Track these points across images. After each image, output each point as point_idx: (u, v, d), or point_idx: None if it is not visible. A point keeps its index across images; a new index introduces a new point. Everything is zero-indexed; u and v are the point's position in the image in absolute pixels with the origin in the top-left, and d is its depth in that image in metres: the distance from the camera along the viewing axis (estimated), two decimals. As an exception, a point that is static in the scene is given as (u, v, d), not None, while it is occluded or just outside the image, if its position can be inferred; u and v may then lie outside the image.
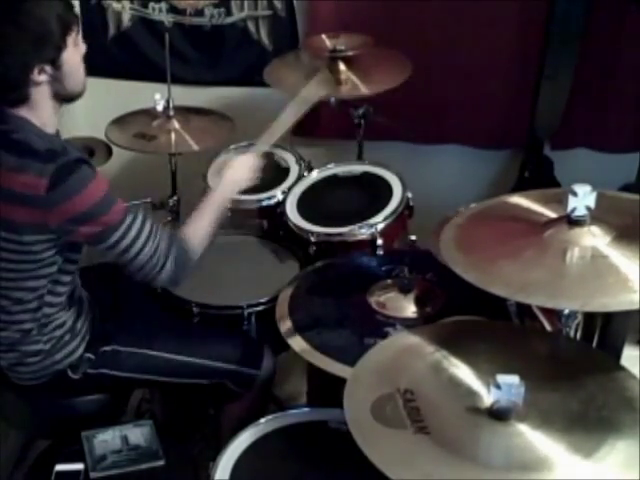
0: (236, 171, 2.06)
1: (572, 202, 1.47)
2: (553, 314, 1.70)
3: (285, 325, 1.90)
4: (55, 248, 1.73)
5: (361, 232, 2.21)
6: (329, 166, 2.54)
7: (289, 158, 2.59)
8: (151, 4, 3.07)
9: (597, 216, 1.49)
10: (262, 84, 2.66)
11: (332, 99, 2.57)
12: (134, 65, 3.17)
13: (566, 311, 1.56)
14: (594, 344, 1.72)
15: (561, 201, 1.51)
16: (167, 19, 3.08)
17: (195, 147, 2.55)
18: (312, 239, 2.24)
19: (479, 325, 1.74)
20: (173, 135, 2.59)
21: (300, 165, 2.55)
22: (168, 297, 2.13)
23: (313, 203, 2.40)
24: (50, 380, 1.88)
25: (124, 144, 2.59)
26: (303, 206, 2.38)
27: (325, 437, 1.69)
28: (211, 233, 1.90)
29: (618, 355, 1.74)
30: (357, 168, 2.52)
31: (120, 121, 2.69)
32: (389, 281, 2.01)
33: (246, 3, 3.02)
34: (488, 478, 1.23)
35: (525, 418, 1.31)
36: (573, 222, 1.49)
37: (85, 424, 1.84)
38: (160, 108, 2.61)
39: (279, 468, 1.63)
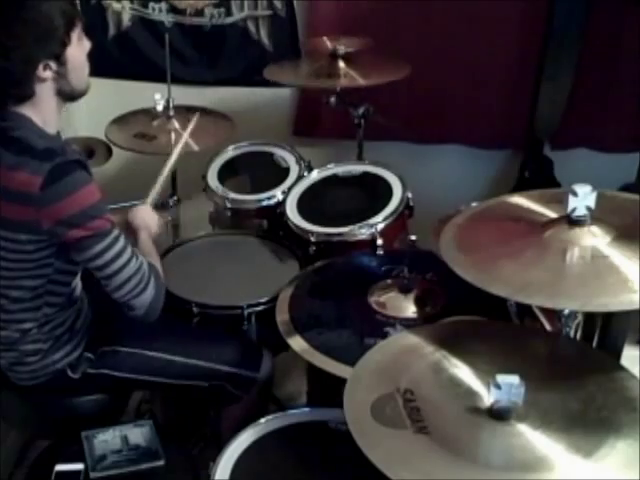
0: (145, 219, 2.02)
1: (572, 202, 1.48)
2: (553, 314, 1.70)
3: (285, 325, 1.90)
4: (49, 249, 1.72)
5: (361, 232, 2.21)
6: (329, 166, 2.54)
7: (289, 158, 2.59)
8: (151, 4, 3.07)
9: (597, 216, 1.49)
10: (262, 84, 2.66)
11: (332, 98, 2.57)
12: (134, 65, 3.17)
13: (566, 311, 1.56)
14: (594, 344, 1.72)
15: (561, 201, 1.51)
16: (167, 19, 3.08)
17: (195, 147, 2.55)
18: (312, 239, 2.24)
19: (479, 325, 1.74)
20: (173, 135, 2.59)
21: (300, 165, 2.55)
22: (168, 297, 2.13)
23: (313, 203, 2.40)
24: (50, 380, 1.87)
25: (124, 144, 2.60)
26: (303, 206, 2.38)
27: (325, 437, 1.68)
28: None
29: (618, 355, 1.74)
30: (357, 168, 2.51)
31: (120, 121, 2.70)
32: (389, 281, 2.01)
33: (246, 3, 3.02)
34: (488, 478, 1.23)
35: (525, 418, 1.30)
36: (573, 222, 1.49)
37: (85, 424, 1.84)
38: (160, 108, 2.62)
39: (279, 468, 1.63)
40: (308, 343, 1.81)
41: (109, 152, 2.71)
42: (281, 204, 2.40)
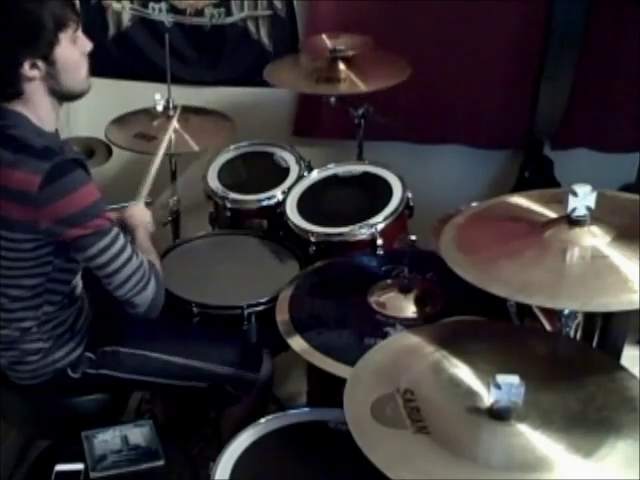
0: (140, 217, 2.02)
1: (572, 202, 1.48)
2: (553, 314, 1.70)
3: (285, 325, 1.90)
4: (47, 247, 1.72)
5: (361, 232, 2.21)
6: (329, 166, 2.54)
7: (289, 158, 2.59)
8: (151, 4, 3.07)
9: (597, 216, 1.49)
10: (262, 84, 2.66)
11: (332, 99, 2.57)
12: (134, 65, 3.17)
13: (566, 311, 1.56)
14: (594, 344, 1.72)
15: (561, 201, 1.51)
16: (167, 19, 3.08)
17: (195, 147, 2.55)
18: (312, 239, 2.24)
19: (479, 325, 1.74)
20: (173, 135, 2.59)
21: (300, 165, 2.55)
22: (168, 297, 2.13)
23: (313, 203, 2.40)
24: (50, 379, 1.88)
25: (124, 144, 2.59)
26: (303, 206, 2.38)
27: (325, 437, 1.68)
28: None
29: (618, 355, 1.74)
30: (357, 168, 2.51)
31: (120, 121, 2.69)
32: (389, 281, 2.01)
33: (246, 3, 3.02)
34: (488, 478, 1.23)
35: (525, 418, 1.31)
36: (573, 222, 1.49)
37: (85, 424, 1.84)
38: (160, 108, 2.62)
39: (279, 468, 1.63)
40: (308, 343, 1.81)
41: (109, 152, 2.71)
42: (281, 204, 2.40)
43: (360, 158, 2.68)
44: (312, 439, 1.69)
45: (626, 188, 2.47)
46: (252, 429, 1.70)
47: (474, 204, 1.82)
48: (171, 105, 2.61)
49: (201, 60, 3.14)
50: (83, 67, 1.76)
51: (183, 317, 2.11)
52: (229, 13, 3.04)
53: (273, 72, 2.66)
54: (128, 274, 1.75)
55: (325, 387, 1.88)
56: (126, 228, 1.96)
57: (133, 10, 3.10)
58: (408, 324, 1.85)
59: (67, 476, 1.71)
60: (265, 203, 2.44)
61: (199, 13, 3.06)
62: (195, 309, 2.10)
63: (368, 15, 2.86)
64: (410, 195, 2.34)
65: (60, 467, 1.72)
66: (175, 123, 2.47)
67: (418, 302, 1.93)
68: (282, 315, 1.94)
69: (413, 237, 1.97)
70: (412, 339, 1.57)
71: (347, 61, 2.57)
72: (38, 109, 1.73)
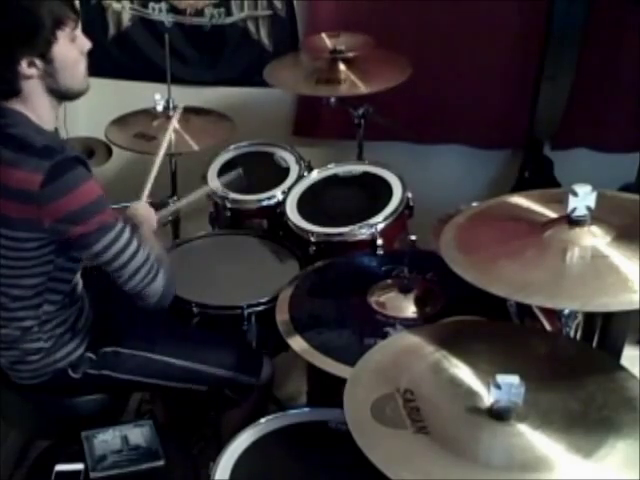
0: (144, 214, 2.01)
1: (572, 202, 1.48)
2: (553, 314, 1.70)
3: (285, 325, 1.90)
4: (50, 246, 1.72)
5: (361, 232, 2.21)
6: (329, 166, 2.54)
7: (289, 158, 2.59)
8: (151, 4, 3.07)
9: (597, 216, 1.49)
10: (262, 84, 2.66)
11: (332, 99, 2.57)
12: (134, 65, 3.17)
13: (566, 311, 1.56)
14: (594, 344, 1.72)
15: (561, 201, 1.51)
16: (167, 19, 3.08)
17: (195, 147, 2.55)
18: (312, 239, 2.24)
19: (479, 325, 1.74)
20: (173, 135, 2.59)
21: (300, 165, 2.55)
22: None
23: (313, 203, 2.40)
24: (50, 379, 1.87)
25: (124, 144, 2.60)
26: (303, 206, 2.38)
27: (325, 437, 1.68)
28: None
29: (618, 355, 1.74)
30: (357, 168, 2.52)
31: (120, 121, 2.70)
32: (389, 281, 2.01)
33: (246, 3, 3.02)
34: (488, 478, 1.23)
35: (525, 418, 1.31)
36: (573, 222, 1.49)
37: (85, 424, 1.84)
38: (160, 108, 2.62)
39: (279, 468, 1.63)
40: (308, 343, 1.81)
41: (109, 152, 2.71)
42: (281, 204, 2.40)
43: (360, 158, 2.68)
44: (312, 439, 1.69)
45: (626, 188, 2.47)
46: (252, 429, 1.70)
47: (474, 204, 1.82)
48: (171, 105, 2.61)
49: (201, 60, 3.14)
50: (81, 66, 1.75)
51: (183, 317, 2.11)
52: (229, 13, 3.05)
53: (273, 72, 2.66)
54: (136, 267, 1.75)
55: (325, 387, 1.88)
56: (132, 226, 1.96)
57: (133, 10, 3.10)
58: (408, 324, 1.85)
59: (67, 476, 1.71)
60: (265, 203, 2.44)
61: (199, 13, 3.06)
62: (195, 309, 2.10)
63: (368, 15, 2.86)
64: (410, 195, 2.35)
65: (60, 467, 1.72)
66: (175, 123, 2.48)
67: (418, 302, 1.93)
68: (282, 315, 1.94)
69: (413, 237, 1.98)
70: (412, 339, 1.57)
71: (347, 62, 2.57)
72: (37, 108, 1.72)
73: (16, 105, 1.71)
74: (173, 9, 3.07)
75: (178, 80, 2.73)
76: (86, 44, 1.75)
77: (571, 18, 2.79)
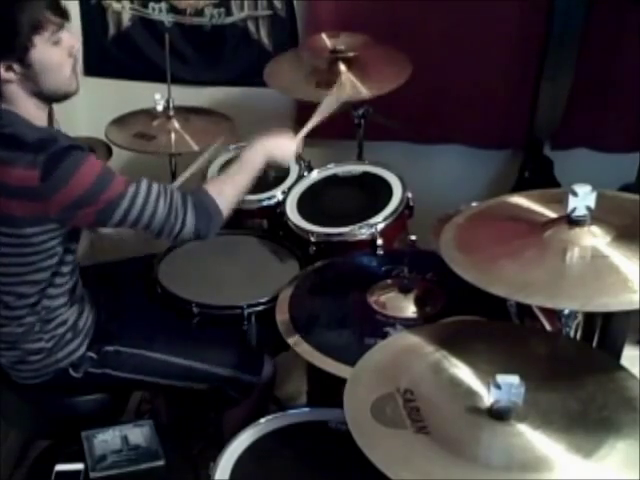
0: (276, 144, 2.03)
1: (572, 202, 1.48)
2: (553, 314, 1.70)
3: (285, 325, 1.90)
4: (57, 238, 1.73)
5: (361, 232, 2.21)
6: (329, 166, 2.53)
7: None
8: (151, 4, 3.07)
9: (597, 216, 1.49)
10: (262, 84, 2.66)
11: (332, 99, 2.56)
12: (134, 65, 3.17)
13: (566, 311, 1.56)
14: (594, 344, 1.72)
15: (561, 201, 1.51)
16: (167, 19, 3.08)
17: (195, 147, 2.55)
18: (312, 239, 2.23)
19: (479, 325, 1.74)
20: (173, 135, 2.59)
21: (300, 165, 2.55)
22: (168, 297, 2.14)
23: (313, 203, 2.40)
24: (52, 379, 1.88)
25: (124, 144, 2.60)
26: (303, 206, 2.38)
27: (325, 437, 1.68)
28: (238, 193, 1.90)
29: (618, 355, 1.74)
30: (357, 168, 2.51)
31: (120, 121, 2.69)
32: (389, 281, 2.01)
33: (246, 3, 3.02)
34: (488, 478, 1.23)
35: (525, 418, 1.31)
36: (573, 222, 1.49)
37: (85, 424, 1.84)
38: (160, 108, 2.62)
39: (279, 468, 1.63)
40: (308, 343, 1.81)
41: (109, 152, 2.71)
42: (281, 204, 2.40)
43: (360, 158, 2.68)
44: (312, 439, 1.69)
45: (626, 188, 2.47)
46: (252, 429, 1.70)
47: (474, 204, 1.82)
48: (171, 105, 2.61)
49: (201, 60, 3.14)
50: (66, 68, 1.73)
51: (183, 317, 2.11)
52: (229, 13, 3.05)
53: (273, 73, 2.65)
54: (161, 220, 1.75)
55: (325, 387, 1.88)
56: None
57: (133, 10, 3.10)
58: (408, 324, 1.85)
59: (67, 476, 1.71)
60: (265, 203, 2.44)
61: (199, 13, 3.06)
62: (195, 309, 2.09)
63: (368, 15, 2.86)
64: (410, 195, 2.34)
65: (60, 467, 1.72)
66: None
67: (418, 302, 1.93)
68: (282, 315, 1.94)
69: (413, 237, 1.97)
70: (412, 339, 1.57)
71: (347, 62, 2.56)
72: (23, 108, 1.72)
73: (4, 105, 1.71)
74: (173, 9, 3.07)
75: (178, 80, 2.73)
76: (74, 45, 1.73)
77: (571, 18, 2.79)
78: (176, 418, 2.26)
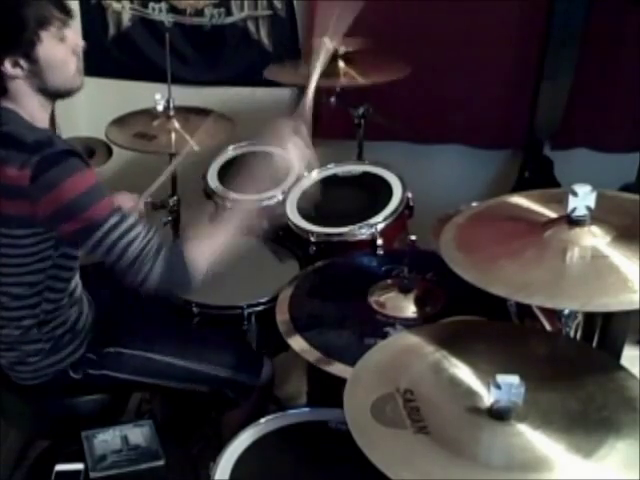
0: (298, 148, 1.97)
1: (572, 202, 1.47)
2: (553, 314, 1.70)
3: (285, 325, 1.90)
4: (49, 242, 1.72)
5: (361, 232, 2.21)
6: (329, 166, 2.54)
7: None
8: (151, 4, 3.07)
9: (597, 216, 1.49)
10: (262, 84, 2.66)
11: (332, 99, 2.57)
12: (134, 65, 3.17)
13: (566, 311, 1.56)
14: (594, 344, 1.72)
15: (561, 201, 1.51)
16: (167, 19, 3.08)
17: (195, 147, 2.55)
18: (312, 239, 2.24)
19: (479, 325, 1.74)
20: (173, 135, 2.59)
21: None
22: (168, 297, 2.13)
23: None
24: (51, 379, 1.87)
25: (124, 144, 2.59)
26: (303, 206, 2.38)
27: (325, 437, 1.68)
28: (218, 251, 1.79)
29: (618, 355, 1.74)
30: (357, 168, 2.52)
31: (120, 121, 2.69)
32: (389, 281, 2.01)
33: (246, 3, 3.02)
34: (488, 478, 1.23)
35: (525, 418, 1.30)
36: (573, 222, 1.49)
37: (85, 424, 1.84)
38: (160, 108, 2.62)
39: (279, 468, 1.63)
40: (308, 343, 1.81)
41: (109, 152, 2.71)
42: (281, 204, 2.40)
43: (360, 158, 2.68)
44: (312, 439, 1.69)
45: (626, 188, 2.47)
46: (252, 429, 1.70)
47: (474, 204, 1.82)
48: (171, 105, 2.61)
49: (201, 60, 3.14)
50: (71, 65, 1.73)
51: (183, 317, 2.11)
52: (229, 13, 3.05)
53: (273, 72, 2.66)
54: (127, 263, 1.67)
55: (325, 387, 1.88)
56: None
57: (133, 10, 3.10)
58: (408, 324, 1.85)
59: (67, 476, 1.71)
60: (265, 203, 2.44)
61: (199, 13, 3.06)
62: (195, 309, 2.10)
63: (368, 15, 2.85)
64: (410, 195, 2.34)
65: (60, 467, 1.72)
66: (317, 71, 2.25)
67: (418, 302, 1.93)
68: (282, 315, 1.94)
69: (413, 237, 1.97)
70: (412, 339, 1.57)
71: (347, 60, 2.57)
72: (26, 107, 1.72)
73: (6, 103, 1.71)
74: (173, 9, 3.07)
75: (178, 80, 2.73)
76: (78, 43, 1.74)
77: (571, 18, 2.79)
78: (176, 419, 2.26)
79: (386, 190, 2.37)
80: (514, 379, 1.29)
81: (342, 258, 2.18)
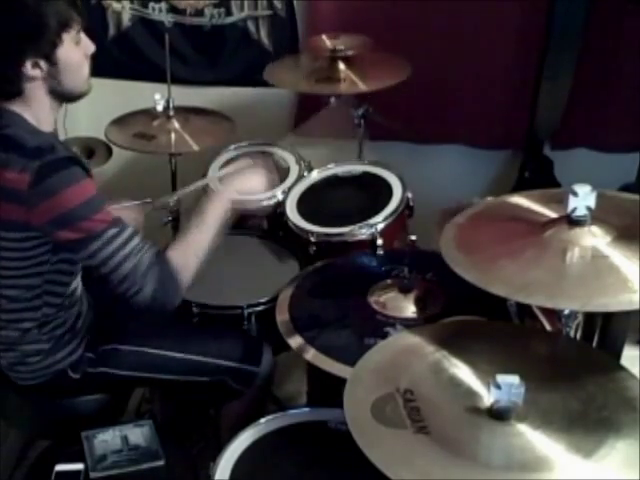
0: (241, 182, 1.98)
1: (572, 202, 1.47)
2: (553, 314, 1.70)
3: (285, 325, 1.90)
4: (46, 246, 1.72)
5: (361, 232, 2.21)
6: (329, 166, 2.54)
7: (289, 158, 2.59)
8: (151, 4, 3.07)
9: (597, 216, 1.49)
10: (262, 84, 2.66)
11: (332, 99, 2.57)
12: (134, 65, 3.17)
13: (566, 311, 1.56)
14: (594, 344, 1.72)
15: (561, 201, 1.51)
16: (167, 19, 3.08)
17: (195, 147, 2.55)
18: (312, 239, 2.24)
19: (479, 325, 1.74)
20: (173, 135, 2.59)
21: (300, 165, 2.55)
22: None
23: (313, 203, 2.40)
24: (50, 379, 1.87)
25: (124, 144, 2.60)
26: (303, 206, 2.38)
27: (325, 437, 1.68)
28: (203, 253, 1.80)
29: (618, 355, 1.74)
30: (357, 168, 2.52)
31: (120, 121, 2.70)
32: (389, 281, 2.01)
33: (246, 3, 3.02)
34: (488, 478, 1.23)
35: (525, 418, 1.30)
36: (573, 222, 1.49)
37: (85, 424, 1.84)
38: (160, 108, 2.62)
39: (279, 468, 1.63)
40: (308, 343, 1.81)
41: (109, 152, 2.71)
42: (281, 204, 2.40)
43: (360, 158, 2.68)
44: (312, 439, 1.69)
45: (626, 188, 2.47)
46: (252, 429, 1.70)
47: (475, 199, 1.82)
48: (171, 105, 2.61)
49: (201, 60, 3.14)
50: (85, 68, 1.75)
51: (183, 317, 2.11)
52: (229, 13, 3.05)
53: (273, 72, 2.66)
54: (123, 275, 1.68)
55: (325, 387, 1.88)
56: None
57: (133, 10, 3.10)
58: (408, 324, 1.85)
59: (67, 476, 1.71)
60: (265, 203, 2.44)
61: (199, 13, 3.06)
62: (195, 309, 2.10)
63: (368, 15, 2.86)
64: (410, 195, 2.35)
65: (60, 467, 1.72)
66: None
67: (418, 302, 1.93)
68: (282, 315, 1.94)
69: (413, 237, 1.97)
70: (412, 339, 1.57)
71: (347, 61, 2.57)
72: (36, 109, 1.72)
73: (15, 106, 1.71)
74: (173, 9, 3.07)
75: (178, 80, 2.73)
76: (90, 46, 1.75)
77: (571, 18, 2.79)
78: (176, 417, 2.26)
79: (386, 190, 2.37)
80: (514, 379, 1.29)
81: (342, 258, 2.18)
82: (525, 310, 1.84)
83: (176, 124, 2.61)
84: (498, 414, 1.31)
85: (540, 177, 3.05)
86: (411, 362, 1.49)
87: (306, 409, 1.79)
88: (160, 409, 2.33)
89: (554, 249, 1.47)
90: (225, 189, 1.96)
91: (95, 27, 3.07)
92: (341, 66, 2.56)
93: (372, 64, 2.59)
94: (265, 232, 2.45)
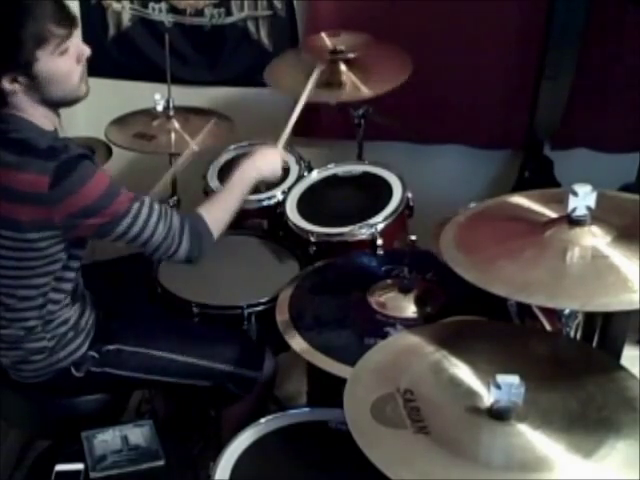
0: (264, 160, 2.07)
1: (572, 202, 1.47)
2: (553, 314, 1.70)
3: (285, 325, 1.90)
4: (62, 244, 1.74)
5: (361, 232, 2.21)
6: (329, 166, 2.54)
7: (289, 158, 2.58)
8: (151, 4, 3.07)
9: (597, 216, 1.49)
10: (262, 84, 2.66)
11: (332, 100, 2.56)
12: (134, 65, 3.17)
13: (566, 311, 1.56)
14: (594, 344, 1.72)
15: (561, 201, 1.51)
16: (167, 19, 3.08)
17: (195, 147, 2.55)
18: (312, 239, 2.24)
19: (479, 325, 1.74)
20: (173, 135, 2.59)
21: (300, 165, 2.55)
22: (168, 297, 2.14)
23: (313, 203, 2.39)
24: (53, 378, 1.88)
25: (124, 144, 2.59)
26: (303, 206, 2.38)
27: (325, 437, 1.69)
28: (229, 215, 1.93)
29: (618, 355, 1.74)
30: (357, 168, 2.52)
31: (120, 121, 2.69)
32: (389, 281, 2.01)
33: (246, 3, 3.02)
34: (488, 478, 1.23)
35: (525, 418, 1.31)
36: (573, 222, 1.49)
37: (85, 424, 1.84)
38: (160, 108, 2.62)
39: (279, 468, 1.63)
40: (308, 343, 1.81)
41: (109, 152, 2.71)
42: (281, 204, 2.40)
43: (360, 158, 2.68)
44: (312, 439, 1.69)
45: (626, 188, 2.46)
46: (252, 429, 1.70)
47: (472, 205, 1.82)
48: (171, 105, 2.61)
49: (201, 60, 3.14)
50: (74, 76, 1.73)
51: (183, 317, 2.11)
52: (229, 13, 3.04)
53: (273, 74, 2.65)
54: (158, 242, 1.78)
55: (325, 387, 1.88)
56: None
57: (133, 10, 3.10)
58: (408, 324, 1.85)
59: (67, 476, 1.71)
60: (265, 203, 2.44)
61: (199, 13, 3.06)
62: (195, 309, 2.10)
63: (368, 14, 2.86)
64: (410, 195, 2.34)
65: (60, 467, 1.72)
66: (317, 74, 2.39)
67: (418, 302, 1.93)
68: (282, 315, 1.94)
69: (413, 237, 1.97)
70: (412, 339, 1.57)
71: (348, 62, 2.56)
72: (32, 115, 1.73)
73: (14, 110, 1.71)
74: (173, 9, 3.07)
75: (178, 80, 2.73)
76: (85, 50, 1.73)
77: (571, 18, 2.79)
78: (176, 417, 2.26)
79: (386, 190, 2.37)
80: (514, 379, 1.29)
81: (342, 258, 2.18)
82: (525, 310, 1.84)
83: (176, 124, 2.61)
84: (498, 414, 1.31)
85: (540, 177, 3.05)
86: (411, 362, 1.49)
87: (306, 409, 1.79)
88: (160, 409, 2.33)
89: (554, 249, 1.47)
90: (251, 161, 2.04)
91: (95, 27, 3.07)
92: (342, 68, 2.55)
93: (373, 65, 2.58)
94: (265, 232, 2.45)
